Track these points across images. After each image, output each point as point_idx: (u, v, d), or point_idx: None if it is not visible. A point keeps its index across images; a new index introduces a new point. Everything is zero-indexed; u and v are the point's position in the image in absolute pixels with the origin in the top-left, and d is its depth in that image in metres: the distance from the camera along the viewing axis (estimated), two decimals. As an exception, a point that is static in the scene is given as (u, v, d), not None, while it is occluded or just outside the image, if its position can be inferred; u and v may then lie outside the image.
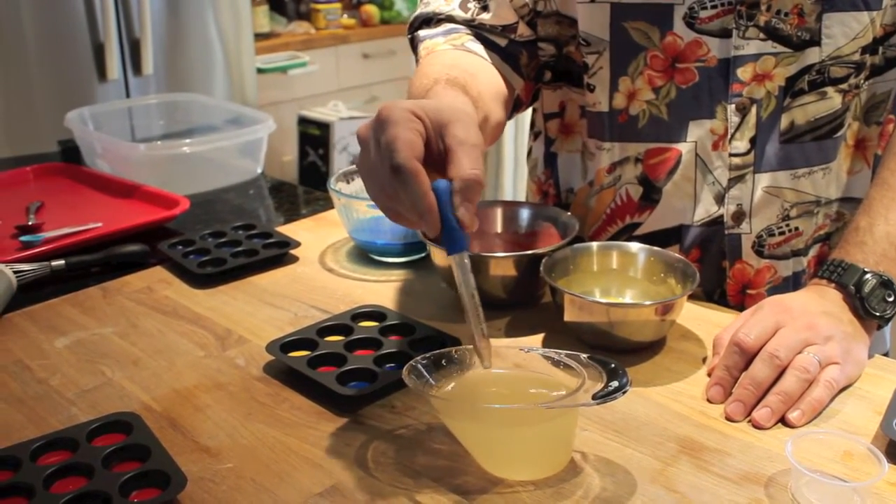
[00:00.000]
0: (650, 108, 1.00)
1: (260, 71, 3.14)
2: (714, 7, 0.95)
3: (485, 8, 1.05)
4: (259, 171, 1.52)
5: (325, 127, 3.13)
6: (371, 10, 3.73)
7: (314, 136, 3.15)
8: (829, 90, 0.96)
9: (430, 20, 1.10)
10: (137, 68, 2.69)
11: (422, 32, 1.08)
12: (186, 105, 1.78)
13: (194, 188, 1.40)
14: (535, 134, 1.20)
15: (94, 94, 2.59)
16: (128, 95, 2.67)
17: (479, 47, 1.03)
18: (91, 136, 1.51)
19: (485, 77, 0.98)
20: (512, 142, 3.81)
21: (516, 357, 0.77)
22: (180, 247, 1.14)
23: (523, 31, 1.06)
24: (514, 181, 3.83)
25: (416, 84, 0.93)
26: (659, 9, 0.97)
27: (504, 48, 1.05)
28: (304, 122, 3.22)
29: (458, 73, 0.91)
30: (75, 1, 2.50)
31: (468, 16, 1.05)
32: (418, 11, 1.11)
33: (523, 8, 1.05)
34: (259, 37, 3.24)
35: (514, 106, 1.10)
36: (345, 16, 3.69)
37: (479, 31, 1.05)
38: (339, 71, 3.55)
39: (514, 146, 3.82)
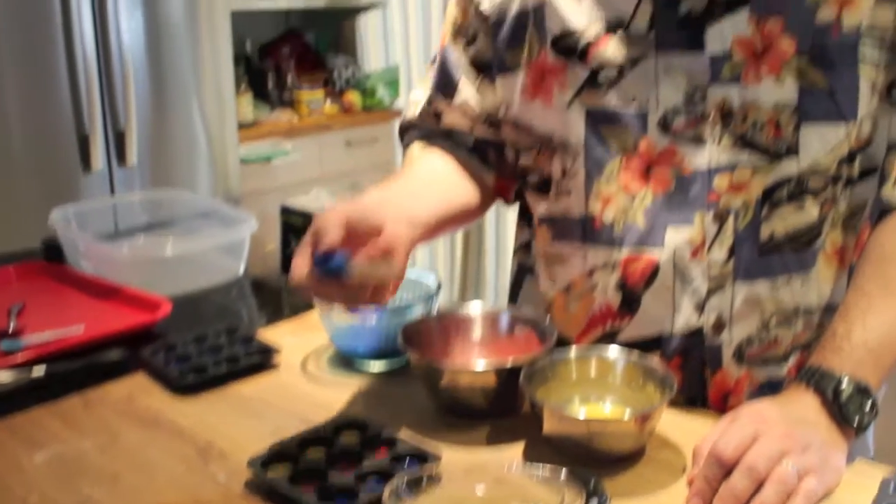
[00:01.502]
0: (626, 215, 1.02)
1: (243, 161, 3.17)
2: (689, 115, 0.98)
3: (438, 116, 1.17)
4: (241, 271, 1.53)
5: (307, 217, 3.14)
6: (353, 97, 3.79)
7: (297, 226, 3.17)
8: (807, 201, 0.98)
9: (413, 125, 1.21)
10: (122, 159, 2.71)
11: (405, 138, 1.21)
12: (170, 202, 1.79)
13: (177, 288, 1.41)
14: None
15: (77, 186, 2.61)
16: (112, 186, 2.69)
17: (448, 146, 1.16)
18: (75, 235, 1.52)
19: (444, 177, 1.12)
20: (493, 228, 3.85)
21: (497, 472, 0.77)
22: (162, 353, 1.14)
23: (482, 132, 1.15)
24: (497, 271, 3.86)
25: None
26: (633, 114, 1.00)
27: (472, 147, 1.15)
28: (286, 211, 3.23)
29: (412, 175, 1.09)
30: (61, 93, 2.54)
31: (434, 122, 1.17)
32: (402, 118, 1.23)
33: (478, 117, 1.14)
34: (243, 125, 3.28)
35: (498, 197, 1.21)
36: (328, 103, 3.75)
37: (450, 135, 1.16)
38: (322, 159, 3.59)
39: (495, 231, 3.85)
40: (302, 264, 0.88)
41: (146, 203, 1.79)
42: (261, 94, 3.66)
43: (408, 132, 1.22)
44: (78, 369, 1.12)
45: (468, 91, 1.13)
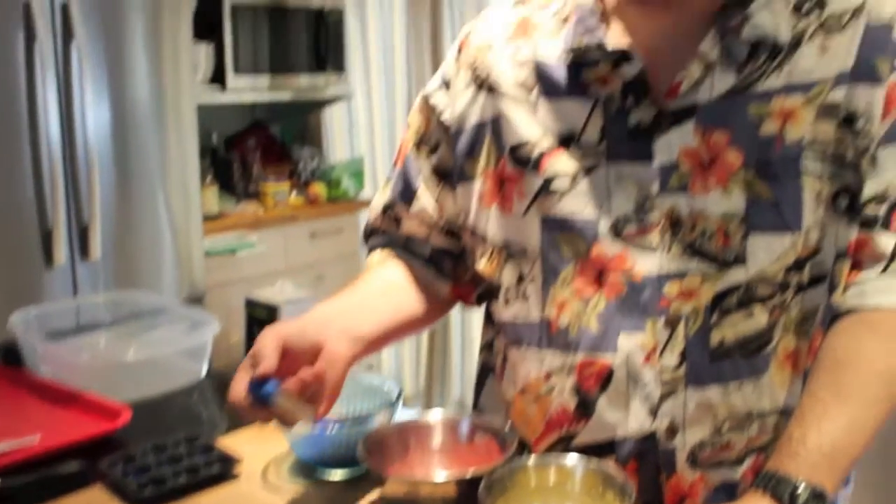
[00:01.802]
0: (580, 319, 1.04)
1: (208, 253, 3.18)
2: (639, 222, 1.01)
3: (398, 221, 1.19)
4: (203, 375, 1.53)
5: (272, 309, 3.15)
6: (318, 188, 3.82)
7: (262, 318, 3.17)
8: (756, 308, 1.00)
9: (375, 230, 1.25)
10: (85, 253, 2.70)
11: (369, 242, 1.25)
12: (134, 302, 1.79)
13: (138, 392, 1.40)
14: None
15: (40, 281, 2.59)
16: (74, 281, 2.67)
17: (404, 257, 1.19)
18: (33, 339, 1.51)
19: (395, 289, 1.15)
20: (459, 326, 3.86)
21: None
22: (120, 464, 1.13)
23: (439, 241, 1.17)
24: (462, 369, 3.85)
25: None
26: (586, 222, 1.02)
27: (428, 257, 1.19)
28: (251, 303, 3.23)
29: (363, 287, 1.14)
30: (25, 187, 2.53)
31: (392, 227, 1.21)
32: (367, 221, 1.27)
33: (436, 224, 1.17)
34: (208, 218, 3.29)
35: (458, 302, 1.23)
36: (293, 195, 3.77)
37: (407, 245, 1.19)
38: (287, 250, 3.60)
39: (461, 330, 3.87)
40: (239, 386, 0.93)
41: (109, 304, 1.79)
42: (226, 186, 3.68)
43: (371, 237, 1.25)
44: (33, 482, 1.11)
45: (427, 199, 1.16)
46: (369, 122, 4.06)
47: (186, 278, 3.02)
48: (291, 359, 0.95)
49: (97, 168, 2.66)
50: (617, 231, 1.01)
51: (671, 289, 1.00)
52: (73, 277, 2.69)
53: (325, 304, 1.06)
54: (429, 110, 1.17)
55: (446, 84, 1.15)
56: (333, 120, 4.11)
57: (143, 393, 1.42)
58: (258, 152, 3.82)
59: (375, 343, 1.06)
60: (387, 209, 1.21)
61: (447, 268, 1.19)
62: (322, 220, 3.75)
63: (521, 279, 1.08)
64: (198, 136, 3.02)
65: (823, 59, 0.98)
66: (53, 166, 2.57)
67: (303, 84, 3.80)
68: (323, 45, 3.82)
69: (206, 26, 3.42)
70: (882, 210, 0.97)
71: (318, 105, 4.09)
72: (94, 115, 2.67)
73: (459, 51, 1.15)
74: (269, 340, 0.94)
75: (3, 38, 2.44)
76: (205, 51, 3.43)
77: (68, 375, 1.41)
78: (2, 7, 2.42)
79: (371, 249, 1.24)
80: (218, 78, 3.52)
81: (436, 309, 1.19)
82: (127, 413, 1.27)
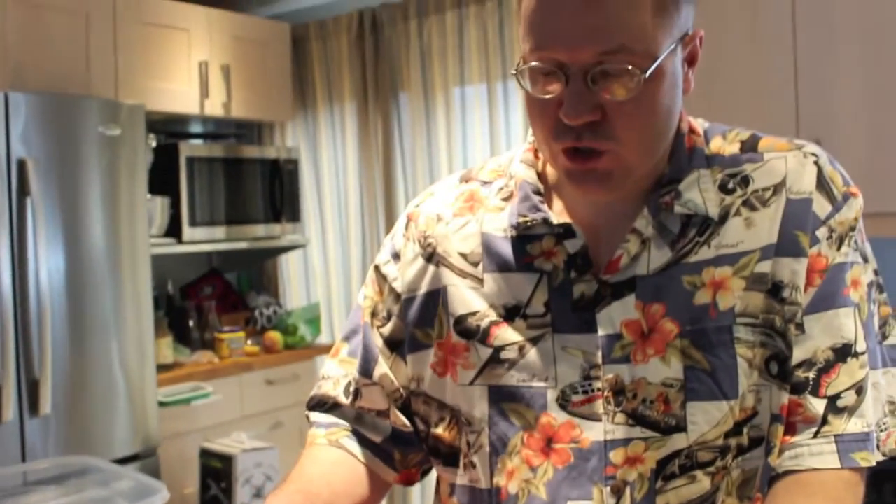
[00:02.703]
0: (529, 487, 1.05)
1: (162, 404, 3.15)
2: (585, 392, 1.03)
3: (357, 393, 1.18)
4: (153, 543, 1.51)
5: (227, 460, 3.11)
6: (274, 336, 3.82)
7: (216, 469, 3.12)
8: (699, 473, 1.02)
9: (324, 403, 1.21)
10: (35, 408, 2.66)
11: (313, 416, 1.21)
12: (81, 467, 1.77)
13: (85, 565, 1.38)
14: None
15: (-14, 440, 2.55)
16: (23, 437, 2.63)
17: (352, 444, 1.16)
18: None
19: (337, 483, 1.14)
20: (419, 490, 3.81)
21: None
22: None
23: (395, 418, 1.16)
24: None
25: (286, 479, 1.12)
26: (533, 391, 1.05)
27: (378, 444, 1.17)
28: (206, 453, 3.19)
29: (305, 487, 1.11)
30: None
31: (347, 401, 1.18)
32: (314, 392, 1.23)
33: (395, 392, 1.16)
34: (162, 368, 3.27)
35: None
36: (249, 342, 3.77)
37: (356, 428, 1.18)
38: (242, 399, 3.57)
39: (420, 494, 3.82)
40: None
41: (58, 467, 1.76)
42: (181, 336, 3.67)
43: (317, 408, 1.22)
44: None
45: (384, 368, 1.17)
46: (325, 269, 4.10)
47: (140, 430, 2.98)
48: None
49: (49, 320, 2.66)
50: (564, 400, 1.04)
51: (617, 456, 1.02)
52: (22, 434, 2.64)
53: None
54: (381, 280, 1.19)
55: (396, 256, 1.18)
56: (289, 267, 4.16)
57: (91, 565, 1.39)
58: (214, 301, 3.84)
59: None
60: (348, 381, 1.19)
61: (396, 457, 1.18)
62: (279, 368, 3.73)
63: (469, 447, 1.09)
64: (153, 284, 3.03)
65: (749, 232, 1.04)
66: (4, 319, 2.56)
67: (259, 233, 3.85)
68: (278, 195, 3.90)
69: (163, 179, 3.48)
70: (811, 375, 1.02)
71: (274, 253, 4.14)
72: (47, 269, 2.68)
73: (408, 223, 1.19)
74: None
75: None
76: (160, 204, 3.47)
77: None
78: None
79: (315, 423, 1.21)
80: (174, 229, 3.55)
81: (379, 495, 1.19)
82: (74, 590, 1.24)
